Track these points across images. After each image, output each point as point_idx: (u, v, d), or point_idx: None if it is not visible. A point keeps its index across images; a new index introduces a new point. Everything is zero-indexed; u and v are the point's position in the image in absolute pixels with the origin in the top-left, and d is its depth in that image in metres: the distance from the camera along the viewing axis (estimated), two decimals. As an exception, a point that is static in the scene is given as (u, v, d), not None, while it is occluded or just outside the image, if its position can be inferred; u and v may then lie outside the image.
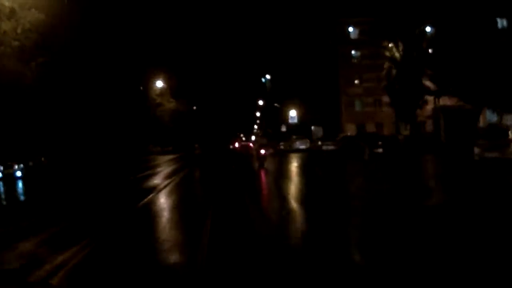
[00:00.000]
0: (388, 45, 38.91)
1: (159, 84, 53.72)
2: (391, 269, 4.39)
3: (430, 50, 36.97)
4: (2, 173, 26.86)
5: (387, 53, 38.78)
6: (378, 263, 4.64)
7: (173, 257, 5.49)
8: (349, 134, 36.98)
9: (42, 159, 33.55)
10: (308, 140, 35.09)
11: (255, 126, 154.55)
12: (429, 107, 38.47)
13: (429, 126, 41.67)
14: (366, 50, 42.78)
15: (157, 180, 16.71)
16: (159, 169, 24.24)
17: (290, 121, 40.34)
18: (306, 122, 43.87)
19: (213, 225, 6.89)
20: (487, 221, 6.49)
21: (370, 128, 41.91)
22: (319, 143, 32.34)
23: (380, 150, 21.97)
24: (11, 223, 9.42)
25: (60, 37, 26.04)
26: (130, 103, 48.80)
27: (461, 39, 29.79)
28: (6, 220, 10.24)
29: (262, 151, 19.89)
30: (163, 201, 10.72)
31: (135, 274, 4.71)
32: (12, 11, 20.69)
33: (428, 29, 39.10)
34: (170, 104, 55.81)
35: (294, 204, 9.20)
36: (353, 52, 43.06)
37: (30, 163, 30.28)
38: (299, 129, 44.26)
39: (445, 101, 39.49)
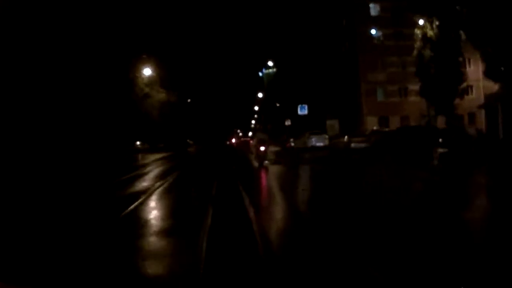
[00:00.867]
0: (419, 22, 32.39)
1: (147, 72, 46.91)
2: None
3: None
4: None
5: (418, 31, 32.32)
6: None
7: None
8: (374, 128, 30.63)
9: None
10: (327, 136, 28.57)
11: (253, 121, 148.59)
12: (471, 96, 32.19)
13: (465, 120, 35.33)
14: (389, 29, 36.39)
15: (145, 183, 13.39)
16: (146, 170, 19.26)
17: (299, 112, 33.78)
18: (318, 115, 37.43)
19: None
20: None
21: (394, 122, 35.54)
22: (345, 139, 25.66)
23: (442, 150, 15.47)
24: None
25: None
26: (112, 93, 42.01)
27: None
28: None
29: (262, 148, 17.79)
30: (153, 209, 8.42)
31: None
32: None
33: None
34: (159, 95, 49.01)
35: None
36: (373, 32, 36.58)
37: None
38: (309, 123, 37.75)
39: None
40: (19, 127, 27.94)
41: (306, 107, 34.43)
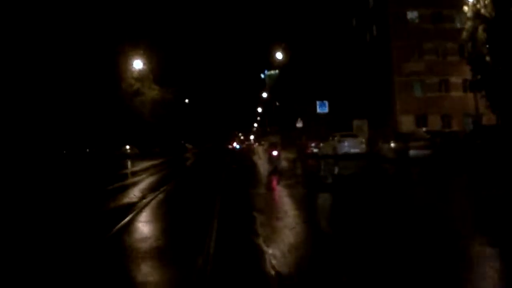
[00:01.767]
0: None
1: (138, 64, 40.71)
2: None
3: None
4: None
5: (468, 9, 26.10)
6: None
7: None
8: (424, 129, 24.32)
9: None
10: (363, 140, 21.83)
11: (255, 124, 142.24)
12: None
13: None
14: (427, 9, 30.27)
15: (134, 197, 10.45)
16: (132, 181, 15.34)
17: (319, 110, 27.50)
18: (340, 114, 31.16)
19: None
20: None
21: (434, 121, 29.33)
22: (393, 144, 18.63)
23: None
24: None
25: None
26: (94, 88, 35.84)
27: None
28: None
29: (275, 153, 16.07)
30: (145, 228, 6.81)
31: None
32: None
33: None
34: (152, 92, 42.75)
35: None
36: (409, 13, 30.41)
37: None
38: (329, 124, 31.47)
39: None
40: None
41: (326, 104, 28.14)
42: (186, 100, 73.08)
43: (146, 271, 4.45)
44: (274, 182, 12.29)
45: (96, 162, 31.57)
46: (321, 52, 36.14)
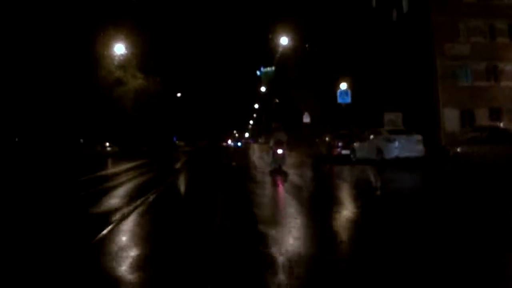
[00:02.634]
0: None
1: (120, 49, 34.56)
2: None
3: None
4: None
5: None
6: None
7: None
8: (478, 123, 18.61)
9: None
10: (420, 138, 15.48)
11: (251, 122, 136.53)
12: None
13: None
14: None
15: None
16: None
17: (340, 100, 21.54)
18: (364, 106, 25.20)
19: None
20: None
21: (481, 116, 23.64)
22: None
23: None
24: None
25: None
26: (65, 75, 29.73)
27: None
28: None
29: (280, 151, 14.37)
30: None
31: None
32: None
33: None
34: (135, 81, 36.60)
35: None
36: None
37: None
38: (351, 117, 25.64)
39: None
40: None
41: (349, 93, 22.25)
42: (178, 94, 67.11)
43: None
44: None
45: (59, 161, 25.47)
46: (335, 35, 30.20)
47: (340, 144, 19.91)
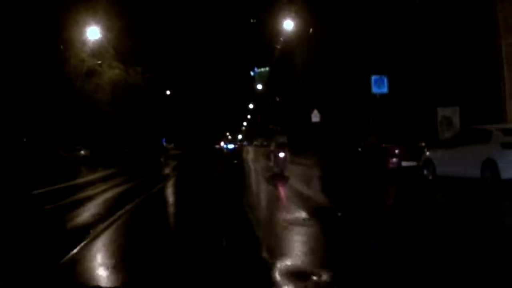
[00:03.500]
0: None
1: (94, 33, 28.79)
2: None
3: None
4: None
5: None
6: None
7: None
8: None
9: None
10: None
11: (244, 123, 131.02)
12: None
13: None
14: None
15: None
16: None
17: (374, 90, 15.86)
18: (412, 98, 19.12)
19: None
20: None
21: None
22: None
23: None
24: None
25: None
26: (24, 64, 24.01)
27: None
28: None
29: (281, 154, 13.97)
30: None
31: None
32: None
33: None
34: (112, 72, 30.74)
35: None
36: None
37: None
38: (392, 112, 19.94)
39: None
40: None
41: (385, 81, 16.77)
42: (168, 92, 61.42)
43: None
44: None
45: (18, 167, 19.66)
46: (362, 9, 24.34)
47: (396, 151, 13.34)
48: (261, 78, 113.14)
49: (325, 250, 5.05)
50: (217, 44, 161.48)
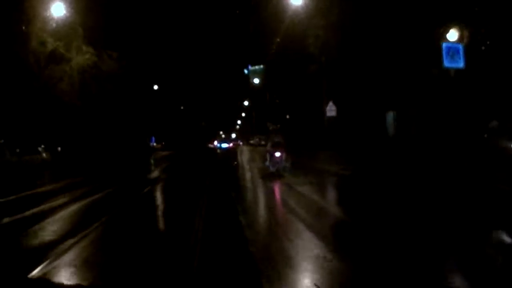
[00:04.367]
0: None
1: (58, 10, 23.53)
2: None
3: None
4: None
5: None
6: None
7: None
8: None
9: None
10: None
11: (238, 121, 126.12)
12: None
13: None
14: None
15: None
16: None
17: (446, 63, 10.64)
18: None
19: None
20: None
21: None
22: None
23: None
24: None
25: None
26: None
27: None
28: None
29: (278, 154, 13.91)
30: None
31: None
32: None
33: None
34: (81, 58, 25.34)
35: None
36: None
37: None
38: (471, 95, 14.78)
39: None
40: None
41: (461, 50, 11.52)
42: (156, 87, 56.18)
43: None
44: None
45: None
46: None
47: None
48: (255, 76, 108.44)
49: None
50: (209, 40, 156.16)
